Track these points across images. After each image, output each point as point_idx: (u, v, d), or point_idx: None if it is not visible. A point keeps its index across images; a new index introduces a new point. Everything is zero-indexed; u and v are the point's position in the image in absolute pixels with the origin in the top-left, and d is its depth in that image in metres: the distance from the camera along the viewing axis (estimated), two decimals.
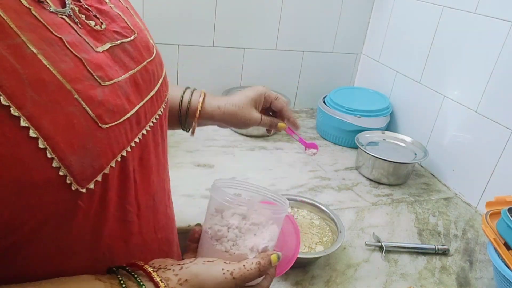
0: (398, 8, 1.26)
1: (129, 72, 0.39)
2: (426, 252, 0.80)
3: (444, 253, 0.81)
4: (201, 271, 0.40)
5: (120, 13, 0.42)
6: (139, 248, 0.42)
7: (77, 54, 0.32)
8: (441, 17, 1.09)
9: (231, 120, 0.69)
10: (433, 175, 1.12)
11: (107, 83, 0.34)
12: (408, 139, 1.13)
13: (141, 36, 0.43)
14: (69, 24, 0.34)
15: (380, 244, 0.79)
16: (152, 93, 0.42)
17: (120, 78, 0.36)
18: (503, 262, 0.65)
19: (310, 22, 1.33)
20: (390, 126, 1.28)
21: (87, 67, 0.33)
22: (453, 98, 1.06)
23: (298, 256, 0.70)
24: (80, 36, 0.34)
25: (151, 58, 0.43)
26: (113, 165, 0.34)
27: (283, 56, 1.35)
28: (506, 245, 0.66)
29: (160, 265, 0.40)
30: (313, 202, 0.82)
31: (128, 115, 0.36)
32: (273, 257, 0.46)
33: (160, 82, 0.45)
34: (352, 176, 1.07)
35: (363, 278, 0.72)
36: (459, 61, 1.04)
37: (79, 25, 0.35)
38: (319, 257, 0.73)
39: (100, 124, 0.32)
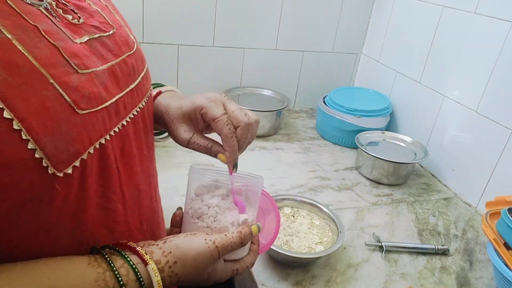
0: (398, 8, 1.26)
1: (107, 64, 0.39)
2: (426, 252, 0.80)
3: (444, 253, 0.81)
4: (184, 243, 0.41)
5: (99, 10, 0.43)
6: (124, 237, 0.42)
7: (53, 42, 0.33)
8: (441, 17, 1.09)
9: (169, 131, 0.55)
10: (433, 175, 1.12)
11: (84, 71, 0.35)
12: (408, 139, 1.13)
13: (120, 32, 0.44)
14: (46, 15, 0.35)
15: (380, 244, 0.79)
16: (132, 86, 0.43)
17: (98, 68, 0.37)
18: (503, 262, 0.65)
19: (310, 22, 1.33)
20: (390, 126, 1.27)
21: (63, 54, 0.34)
22: (453, 98, 1.06)
23: (298, 256, 0.70)
24: (57, 26, 0.35)
25: (131, 52, 0.44)
26: (91, 151, 0.35)
27: (283, 56, 1.35)
28: (506, 245, 0.66)
29: (144, 244, 0.41)
30: (313, 202, 0.82)
31: (106, 104, 0.37)
32: (254, 228, 0.47)
33: (141, 76, 0.46)
34: (352, 176, 1.07)
35: (363, 278, 0.72)
36: (459, 61, 1.04)
37: (57, 18, 0.36)
38: (319, 257, 0.73)
39: (76, 109, 0.33)
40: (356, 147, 1.12)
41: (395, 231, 0.86)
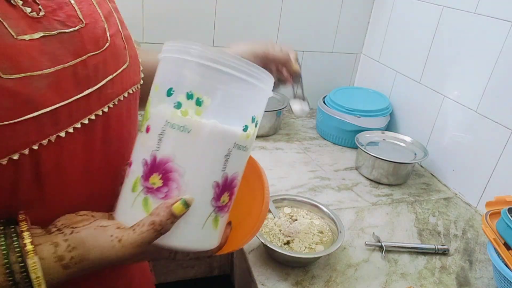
0: (398, 8, 1.26)
1: (58, 66, 0.35)
2: (426, 252, 0.80)
3: (444, 253, 0.81)
4: (89, 238, 0.36)
5: (73, 1, 0.39)
6: None
7: None
8: (441, 17, 1.09)
9: None
10: (433, 175, 1.12)
11: (11, 76, 0.32)
12: (408, 139, 1.13)
13: (92, 27, 0.40)
14: None
15: (380, 244, 0.79)
16: (89, 91, 0.38)
17: (37, 72, 0.34)
18: (503, 262, 0.65)
19: (310, 22, 1.33)
20: (390, 126, 1.28)
21: None
22: (453, 98, 1.06)
23: (298, 256, 0.70)
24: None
25: (97, 52, 0.39)
26: (4, 163, 0.32)
27: None
28: (506, 245, 0.66)
29: (62, 223, 0.38)
30: (313, 202, 0.82)
31: (36, 113, 0.33)
32: (176, 206, 0.36)
33: (108, 78, 0.41)
34: (352, 176, 1.07)
35: (363, 278, 0.72)
36: (459, 61, 1.04)
37: (17, 8, 0.34)
38: (319, 257, 0.73)
39: None
40: (356, 147, 1.12)
41: (395, 231, 0.86)
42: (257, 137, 1.20)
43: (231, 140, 0.38)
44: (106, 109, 0.41)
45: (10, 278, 0.33)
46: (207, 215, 0.39)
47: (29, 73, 0.33)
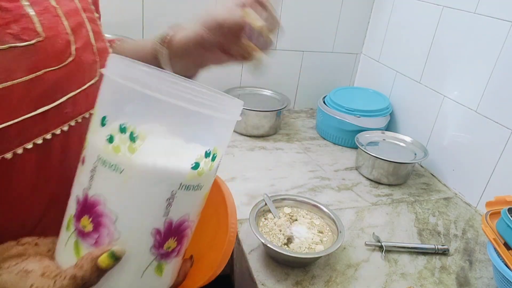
0: (398, 8, 1.26)
1: (6, 83, 0.33)
2: (426, 252, 0.80)
3: (444, 253, 0.81)
4: (8, 285, 0.33)
5: (33, 13, 0.36)
6: None
7: None
8: (441, 17, 1.09)
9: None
10: (433, 175, 1.12)
11: None
12: (408, 139, 1.13)
13: (53, 41, 0.37)
14: None
15: (380, 244, 0.79)
16: (44, 108, 0.36)
17: None
18: (503, 262, 0.65)
19: (310, 22, 1.33)
20: (390, 126, 1.28)
21: None
22: (453, 98, 1.06)
23: (298, 256, 0.70)
24: None
25: (56, 67, 0.37)
26: None
27: (283, 56, 1.35)
28: (506, 245, 0.66)
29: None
30: (313, 202, 0.82)
31: None
32: (103, 259, 0.32)
33: (70, 95, 0.39)
34: (352, 176, 1.07)
35: (363, 278, 0.72)
36: (459, 61, 1.04)
37: None
38: (319, 257, 0.73)
39: None
40: (356, 147, 1.12)
41: (395, 231, 0.86)
42: (257, 137, 1.20)
43: (175, 181, 0.33)
44: (66, 128, 0.39)
45: None
46: (146, 264, 0.34)
47: None
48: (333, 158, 1.15)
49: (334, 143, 1.24)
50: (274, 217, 0.78)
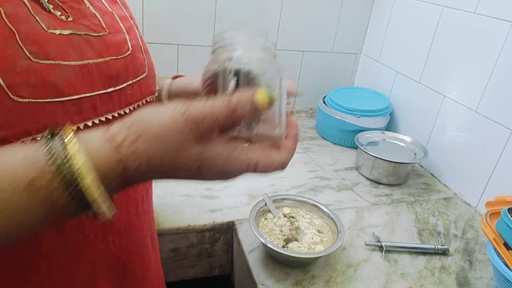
0: (398, 8, 1.26)
1: (83, 61, 0.38)
2: (426, 252, 0.80)
3: (444, 253, 0.81)
4: (148, 113, 0.32)
5: (97, 13, 0.43)
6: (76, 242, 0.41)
7: (10, 25, 0.33)
8: (441, 17, 1.09)
9: None
10: (433, 175, 1.12)
11: (41, 61, 0.34)
12: (408, 139, 1.13)
13: (115, 37, 0.43)
14: (25, 3, 0.35)
15: (380, 244, 0.79)
16: (110, 90, 0.41)
17: (65, 62, 0.36)
18: (502, 262, 0.65)
19: (310, 22, 1.33)
20: (390, 126, 1.28)
21: (18, 39, 0.33)
22: (453, 98, 1.06)
23: (298, 256, 0.70)
24: (31, 14, 0.35)
25: (119, 57, 0.43)
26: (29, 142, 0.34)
27: (283, 56, 1.35)
28: (506, 245, 0.66)
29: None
30: (313, 202, 0.82)
31: (63, 98, 0.36)
32: (260, 96, 0.31)
33: (128, 83, 0.44)
34: (352, 176, 1.07)
35: (363, 278, 0.72)
36: (459, 61, 1.04)
37: (46, 9, 0.37)
38: (319, 257, 0.73)
39: (11, 95, 0.32)
40: (356, 147, 1.12)
41: (395, 231, 0.86)
42: None
43: None
44: (127, 111, 0.44)
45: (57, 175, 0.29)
46: None
47: (57, 61, 0.35)
48: (333, 158, 1.15)
49: (334, 143, 1.24)
50: (274, 217, 0.78)
